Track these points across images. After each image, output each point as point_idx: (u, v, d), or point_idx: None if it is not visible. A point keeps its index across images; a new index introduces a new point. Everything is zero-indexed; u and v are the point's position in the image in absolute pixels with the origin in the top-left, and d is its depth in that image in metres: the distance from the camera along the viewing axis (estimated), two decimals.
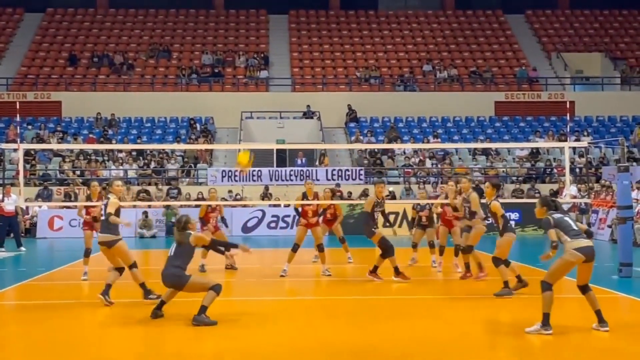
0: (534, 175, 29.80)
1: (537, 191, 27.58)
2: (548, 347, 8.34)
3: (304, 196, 14.28)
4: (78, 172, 29.08)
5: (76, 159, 29.81)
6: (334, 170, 28.14)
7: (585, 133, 31.91)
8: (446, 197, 14.59)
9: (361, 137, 31.29)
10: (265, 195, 26.95)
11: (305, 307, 11.42)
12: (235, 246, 10.32)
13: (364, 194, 26.91)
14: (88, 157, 29.75)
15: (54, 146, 29.29)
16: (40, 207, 25.57)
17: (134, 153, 30.22)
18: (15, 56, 37.09)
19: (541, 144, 28.74)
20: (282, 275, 13.97)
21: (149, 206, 25.58)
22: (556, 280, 8.77)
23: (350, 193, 26.86)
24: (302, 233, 14.15)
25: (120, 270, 11.15)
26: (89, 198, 14.41)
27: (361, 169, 28.57)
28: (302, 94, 34.53)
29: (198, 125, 32.53)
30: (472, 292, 12.11)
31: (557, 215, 8.91)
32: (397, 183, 29.07)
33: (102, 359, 8.06)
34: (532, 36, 40.28)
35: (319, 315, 10.55)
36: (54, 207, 25.73)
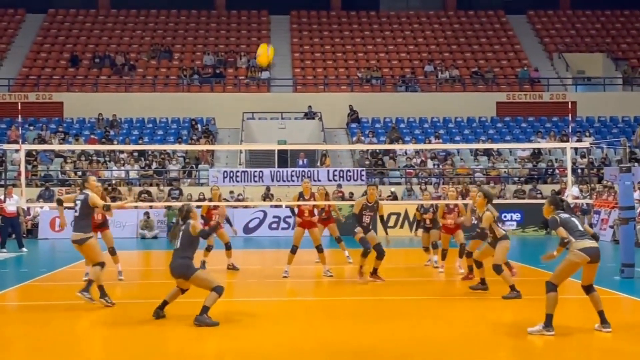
0: (535, 176, 29.77)
1: (538, 192, 27.56)
2: (550, 348, 8.33)
3: (301, 195, 14.29)
4: (79, 173, 29.08)
5: (78, 159, 29.82)
6: (336, 171, 28.13)
7: (587, 134, 31.88)
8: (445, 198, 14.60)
9: (363, 138, 31.28)
10: (267, 196, 26.94)
11: (306, 307, 11.42)
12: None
13: (366, 194, 26.89)
14: (90, 157, 29.76)
15: (56, 147, 29.30)
16: (41, 208, 25.57)
17: (135, 154, 30.22)
18: (17, 57, 37.09)
19: (543, 144, 28.73)
20: (284, 277, 13.98)
21: (151, 207, 25.58)
22: (561, 281, 8.78)
23: (352, 194, 26.85)
24: (299, 234, 14.18)
25: (101, 264, 11.07)
26: None
27: (363, 170, 28.56)
28: (304, 95, 34.51)
29: (199, 126, 32.53)
30: (473, 293, 12.08)
31: (564, 215, 8.93)
32: (398, 184, 29.06)
33: None
34: (534, 36, 40.24)
35: (320, 315, 10.54)
36: (56, 208, 25.68)
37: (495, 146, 29.68)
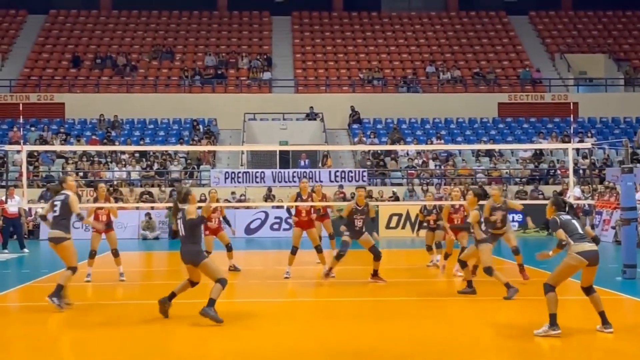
0: (537, 177, 29.75)
1: (540, 192, 27.54)
2: (550, 348, 8.32)
3: (299, 196, 14.28)
4: (81, 174, 29.11)
5: (79, 160, 29.83)
6: (337, 171, 28.12)
7: (589, 134, 31.85)
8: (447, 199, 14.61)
9: (364, 139, 31.27)
10: (268, 197, 26.94)
11: (307, 308, 11.42)
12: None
13: (368, 195, 26.87)
14: (91, 158, 29.77)
15: (57, 148, 29.31)
16: (43, 209, 25.53)
17: (136, 154, 30.23)
18: (19, 58, 37.12)
19: (545, 145, 28.71)
20: (285, 277, 13.98)
21: (152, 208, 25.58)
22: (558, 282, 8.76)
23: (353, 194, 26.77)
24: (298, 234, 14.20)
25: (73, 269, 10.87)
26: (96, 200, 14.42)
27: (364, 171, 28.55)
28: (305, 96, 34.51)
29: (201, 127, 32.53)
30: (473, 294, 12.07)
31: (564, 217, 8.91)
32: (400, 185, 29.04)
33: None
34: (536, 37, 40.22)
35: (321, 316, 10.54)
36: None
37: (497, 147, 29.66)
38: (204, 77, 35.84)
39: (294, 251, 14.08)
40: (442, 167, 30.18)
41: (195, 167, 30.11)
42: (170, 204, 25.40)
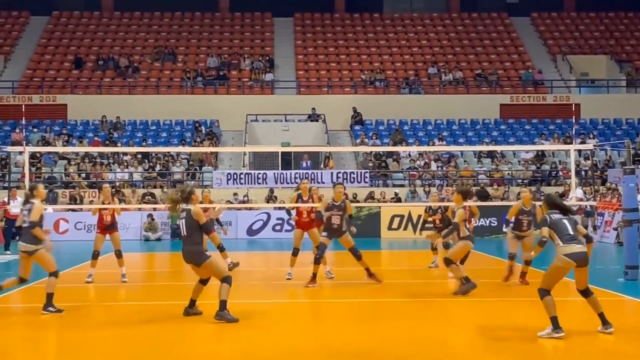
0: (539, 178, 29.73)
1: (542, 194, 27.51)
2: (551, 349, 8.32)
3: (299, 197, 14.26)
4: (83, 175, 29.14)
5: (81, 161, 29.86)
6: (339, 172, 28.13)
7: (591, 135, 31.84)
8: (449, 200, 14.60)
9: (366, 140, 31.28)
10: (270, 198, 26.95)
11: (307, 309, 11.43)
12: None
13: (370, 196, 26.95)
14: (93, 160, 29.79)
15: (60, 149, 29.33)
16: (45, 209, 25.53)
17: (139, 156, 30.25)
18: (21, 59, 37.18)
19: (547, 146, 28.70)
20: (287, 279, 13.98)
21: (154, 209, 25.59)
22: (551, 286, 8.72)
23: (355, 195, 26.85)
24: (299, 235, 14.19)
25: (55, 274, 10.72)
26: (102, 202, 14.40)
27: (366, 172, 28.56)
28: (307, 97, 34.52)
29: (203, 128, 32.55)
30: (474, 294, 12.05)
31: (555, 216, 8.87)
32: (402, 186, 29.05)
33: None
34: (538, 39, 40.21)
35: (322, 317, 10.56)
36: (60, 210, 25.78)
37: (498, 148, 29.64)
38: (206, 78, 35.87)
39: (295, 253, 14.06)
40: (444, 169, 30.18)
41: (198, 168, 30.12)
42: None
